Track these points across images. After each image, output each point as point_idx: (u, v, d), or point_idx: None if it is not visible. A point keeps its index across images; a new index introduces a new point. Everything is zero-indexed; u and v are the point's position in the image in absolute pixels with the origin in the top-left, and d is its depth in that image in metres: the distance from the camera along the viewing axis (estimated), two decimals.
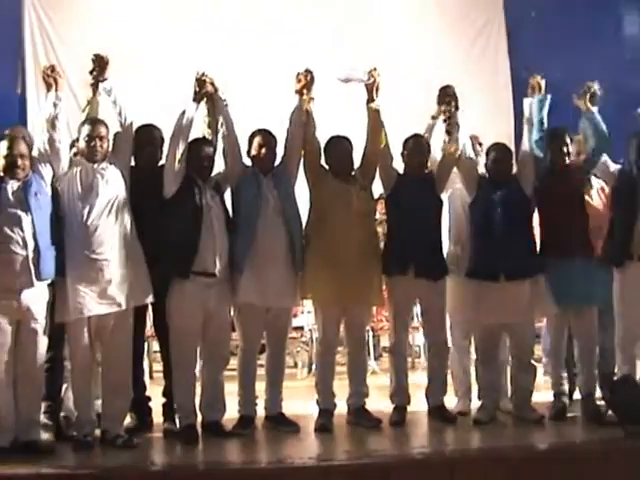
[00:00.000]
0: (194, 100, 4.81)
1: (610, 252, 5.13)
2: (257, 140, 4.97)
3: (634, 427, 4.66)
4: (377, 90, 5.07)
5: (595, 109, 5.17)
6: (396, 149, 5.20)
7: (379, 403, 5.25)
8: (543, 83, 5.26)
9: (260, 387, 5.08)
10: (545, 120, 5.19)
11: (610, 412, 4.93)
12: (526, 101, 5.30)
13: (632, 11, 9.39)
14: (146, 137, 4.92)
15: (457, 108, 5.11)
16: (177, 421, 4.86)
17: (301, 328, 7.07)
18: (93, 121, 4.69)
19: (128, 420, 4.85)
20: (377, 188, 5.26)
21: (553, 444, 4.80)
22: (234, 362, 5.10)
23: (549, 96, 5.23)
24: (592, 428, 4.94)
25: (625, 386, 4.88)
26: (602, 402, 5.14)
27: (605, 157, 5.23)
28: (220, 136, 4.91)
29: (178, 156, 4.73)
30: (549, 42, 8.76)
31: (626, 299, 5.12)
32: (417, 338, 6.77)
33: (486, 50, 9.37)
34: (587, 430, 4.98)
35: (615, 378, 5.14)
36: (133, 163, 4.86)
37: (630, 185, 5.11)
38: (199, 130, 4.95)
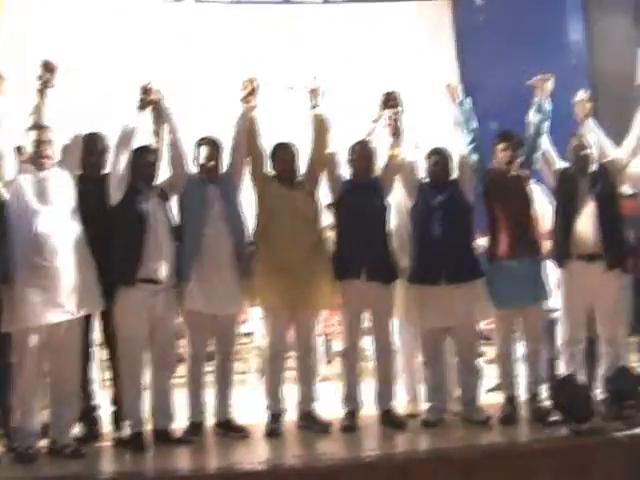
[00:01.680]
0: (139, 108, 4.95)
1: (552, 252, 5.38)
2: (204, 151, 5.12)
3: (577, 426, 4.85)
4: (321, 96, 5.26)
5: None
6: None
7: (330, 408, 5.35)
8: (458, 89, 5.50)
9: (209, 393, 5.19)
10: (471, 123, 5.39)
11: (555, 411, 5.10)
12: (450, 107, 5.51)
13: (576, 18, 9.67)
14: (91, 146, 5.03)
15: (401, 113, 5.30)
16: (126, 429, 4.94)
17: (252, 334, 7.20)
18: (40, 127, 4.78)
19: (76, 429, 4.92)
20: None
21: (500, 444, 4.94)
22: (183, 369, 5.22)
23: (468, 100, 5.45)
24: (537, 428, 5.12)
25: (568, 385, 5.09)
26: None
27: (552, 154, 5.45)
28: (165, 144, 5.03)
29: (123, 164, 4.84)
30: (496, 47, 9.01)
31: (567, 299, 5.40)
32: (368, 342, 6.90)
33: (434, 55, 9.57)
34: (533, 430, 5.14)
35: (558, 378, 5.38)
36: (79, 172, 4.93)
37: (570, 185, 5.36)
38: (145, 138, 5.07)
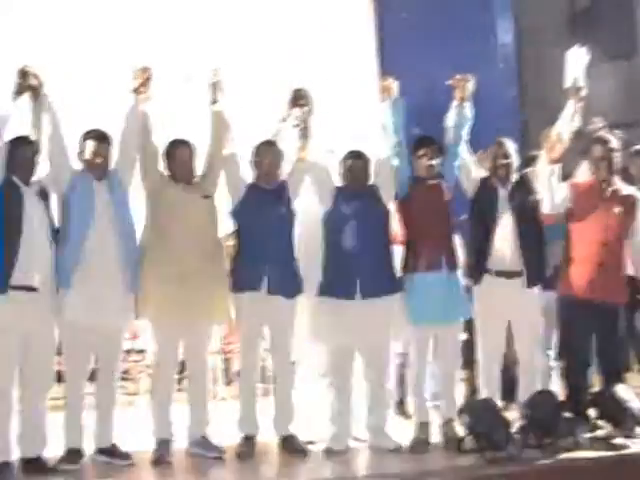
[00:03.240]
0: (15, 93, 4.63)
1: (467, 268, 5.25)
2: (90, 146, 4.85)
3: (492, 454, 4.73)
4: (222, 90, 5.05)
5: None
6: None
7: (228, 433, 5.15)
8: (395, 86, 5.31)
9: (91, 416, 4.91)
10: (400, 126, 5.22)
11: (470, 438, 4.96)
12: (380, 106, 5.33)
13: (505, 19, 9.72)
14: None
15: (311, 112, 5.11)
16: None
17: (144, 351, 6.94)
18: None
19: None
20: None
21: (409, 473, 4.75)
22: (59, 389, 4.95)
23: (402, 99, 5.28)
24: (450, 455, 4.99)
25: (484, 411, 4.95)
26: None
27: (471, 161, 5.34)
28: (46, 136, 4.74)
29: None
30: (420, 47, 8.97)
31: (484, 318, 5.27)
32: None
33: (353, 52, 9.46)
34: (446, 457, 5.00)
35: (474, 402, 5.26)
36: None
37: (488, 196, 5.25)
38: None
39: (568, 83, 5.28)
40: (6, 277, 4.51)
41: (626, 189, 5.36)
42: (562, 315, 5.39)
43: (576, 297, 5.21)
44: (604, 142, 5.30)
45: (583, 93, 5.28)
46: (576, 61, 5.29)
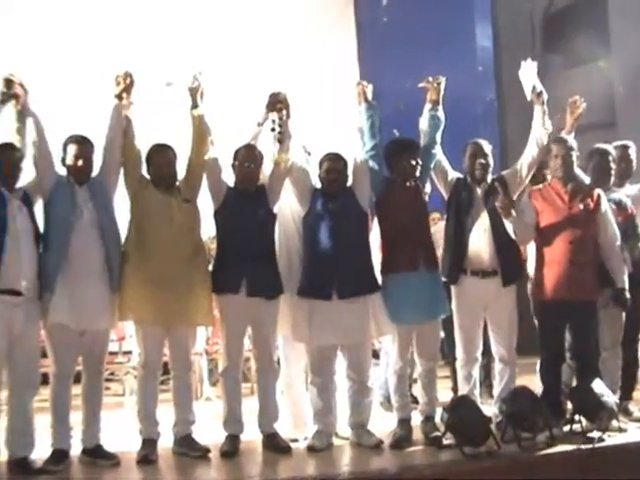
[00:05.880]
0: (0, 102, 4.65)
1: (444, 267, 5.28)
2: (72, 149, 4.86)
3: (472, 449, 4.76)
4: (202, 95, 5.07)
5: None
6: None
7: (213, 432, 5.16)
8: (369, 90, 5.34)
9: (76, 417, 4.92)
10: (376, 128, 5.25)
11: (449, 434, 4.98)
12: (357, 109, 5.35)
13: (484, 23, 9.76)
14: None
15: (288, 116, 5.13)
16: None
17: (130, 353, 6.93)
18: None
19: None
20: None
21: (390, 469, 4.77)
22: (46, 391, 4.94)
23: (376, 103, 5.31)
24: (431, 451, 5.01)
25: (462, 407, 4.97)
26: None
27: (445, 163, 5.37)
28: (29, 142, 4.75)
29: None
30: (400, 50, 9.00)
31: (462, 317, 5.31)
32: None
33: (333, 55, 9.47)
34: (426, 453, 5.02)
35: (453, 399, 5.28)
36: None
37: (464, 195, 5.28)
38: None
39: (529, 94, 5.33)
40: None
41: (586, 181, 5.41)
42: (536, 315, 5.43)
43: (548, 298, 5.23)
44: (561, 141, 5.34)
45: (545, 97, 5.32)
46: (529, 73, 5.37)
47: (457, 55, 9.06)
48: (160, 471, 4.79)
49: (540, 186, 5.43)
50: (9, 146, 4.73)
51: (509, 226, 5.17)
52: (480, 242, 5.19)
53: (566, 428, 5.16)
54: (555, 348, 5.29)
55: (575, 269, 5.15)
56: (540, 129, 5.30)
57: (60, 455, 4.79)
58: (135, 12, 8.91)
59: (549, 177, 5.48)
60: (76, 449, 4.91)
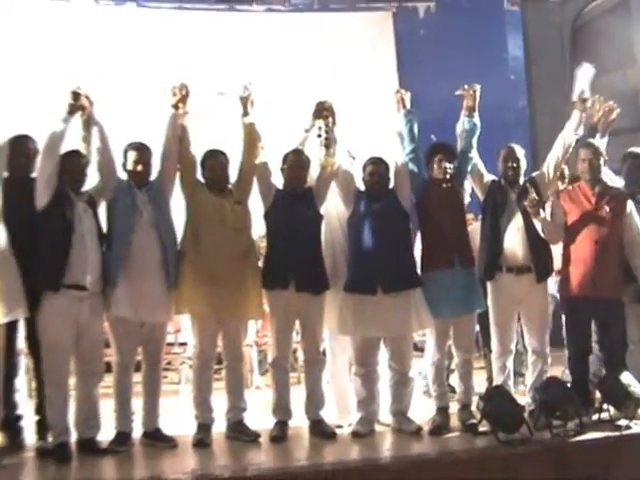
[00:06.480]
0: (68, 113, 4.87)
1: (481, 265, 5.41)
2: (132, 155, 5.06)
3: (506, 435, 4.89)
4: (252, 104, 5.25)
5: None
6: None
7: (263, 419, 5.33)
8: (407, 97, 5.52)
9: (137, 403, 5.13)
10: (414, 133, 5.42)
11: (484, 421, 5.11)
12: (396, 116, 5.53)
13: (516, 34, 9.85)
14: (20, 148, 4.95)
15: (334, 123, 5.28)
16: (50, 439, 4.85)
17: (185, 344, 7.13)
18: None
19: None
20: None
21: (429, 454, 4.94)
22: (109, 378, 5.15)
23: (414, 110, 5.48)
24: (467, 438, 5.14)
25: (497, 396, 5.11)
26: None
27: (481, 166, 5.51)
28: (94, 150, 4.97)
29: (50, 168, 4.77)
30: (436, 61, 9.12)
31: (497, 311, 5.44)
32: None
33: (374, 66, 9.61)
34: (463, 439, 5.16)
35: (488, 388, 5.42)
36: (6, 174, 4.86)
37: (499, 197, 5.41)
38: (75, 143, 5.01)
39: (575, 96, 5.44)
40: (60, 277, 4.71)
41: (616, 184, 5.51)
42: (562, 310, 5.54)
43: (573, 294, 5.33)
44: (589, 146, 5.43)
45: (588, 104, 5.45)
46: (583, 76, 5.45)
47: (490, 64, 9.18)
48: (214, 454, 4.97)
49: (569, 187, 5.57)
50: (76, 153, 4.96)
51: (538, 225, 5.30)
52: (514, 240, 5.32)
53: (595, 417, 5.25)
54: (582, 342, 5.39)
55: (600, 268, 5.25)
56: (571, 132, 5.40)
57: (123, 437, 5.01)
58: (190, 28, 9.14)
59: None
60: (137, 432, 5.11)
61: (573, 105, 5.45)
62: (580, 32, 10.04)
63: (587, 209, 5.35)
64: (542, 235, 5.34)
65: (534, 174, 5.54)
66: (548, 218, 5.35)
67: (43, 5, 9.31)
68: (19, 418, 5.04)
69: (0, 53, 7.95)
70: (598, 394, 5.35)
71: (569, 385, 5.29)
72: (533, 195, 5.23)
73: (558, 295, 5.65)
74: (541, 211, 5.27)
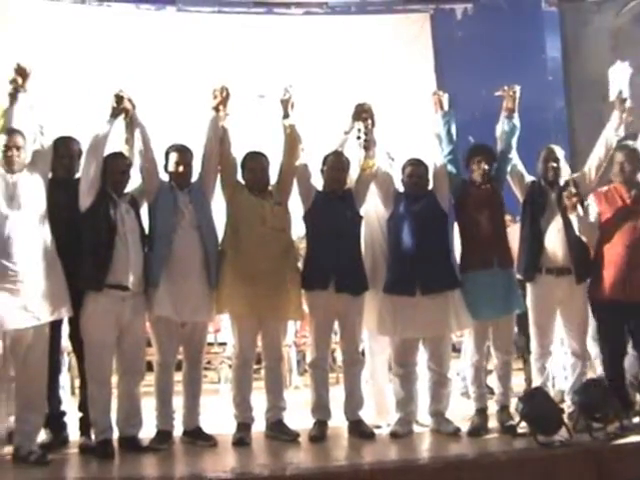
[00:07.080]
0: (111, 115, 4.88)
1: (521, 266, 5.32)
2: (173, 157, 5.05)
3: (545, 438, 4.80)
4: (292, 106, 5.21)
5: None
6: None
7: (302, 418, 5.29)
8: (445, 98, 5.44)
9: (178, 402, 5.12)
10: (452, 134, 5.34)
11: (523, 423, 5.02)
12: (434, 117, 5.45)
13: (553, 35, 9.74)
14: (64, 149, 4.96)
15: (373, 125, 5.23)
16: (93, 436, 4.85)
17: (225, 344, 7.12)
18: (10, 131, 4.67)
19: (43, 436, 4.82)
20: None
21: (468, 455, 4.86)
22: (151, 377, 5.13)
23: (452, 111, 5.40)
24: (506, 439, 5.06)
25: (536, 398, 5.02)
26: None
27: (521, 167, 5.43)
28: (137, 152, 4.97)
29: (94, 170, 4.77)
30: (473, 62, 9.04)
31: (537, 313, 5.35)
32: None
33: (412, 68, 9.56)
34: (501, 441, 5.08)
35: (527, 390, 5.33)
36: (50, 175, 4.86)
37: (539, 198, 5.32)
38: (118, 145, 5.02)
39: (613, 96, 5.33)
40: (102, 277, 4.71)
41: None
42: (594, 313, 5.35)
43: (605, 298, 5.19)
44: (624, 148, 5.32)
45: (628, 104, 5.34)
46: (620, 75, 5.35)
47: (527, 65, 9.09)
48: (254, 453, 4.94)
49: (605, 188, 5.46)
50: (119, 155, 4.96)
51: (575, 222, 5.17)
52: (554, 242, 5.23)
53: (636, 420, 5.13)
54: (615, 344, 5.26)
55: (631, 271, 5.10)
56: (612, 133, 5.32)
57: (164, 435, 5.00)
58: (230, 31, 9.18)
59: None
60: (178, 430, 5.09)
61: (612, 105, 5.34)
62: (618, 31, 9.90)
63: (621, 211, 5.22)
64: (578, 233, 5.23)
65: (575, 175, 5.44)
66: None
67: (88, 10, 9.43)
68: (63, 414, 5.05)
69: (47, 57, 7.97)
70: (639, 397, 5.25)
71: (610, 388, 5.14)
72: (572, 189, 5.13)
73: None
74: (579, 207, 5.15)
